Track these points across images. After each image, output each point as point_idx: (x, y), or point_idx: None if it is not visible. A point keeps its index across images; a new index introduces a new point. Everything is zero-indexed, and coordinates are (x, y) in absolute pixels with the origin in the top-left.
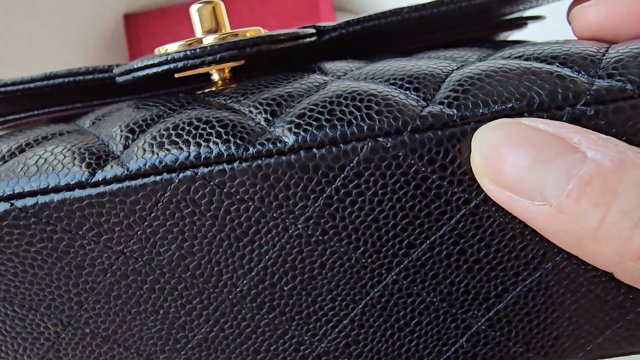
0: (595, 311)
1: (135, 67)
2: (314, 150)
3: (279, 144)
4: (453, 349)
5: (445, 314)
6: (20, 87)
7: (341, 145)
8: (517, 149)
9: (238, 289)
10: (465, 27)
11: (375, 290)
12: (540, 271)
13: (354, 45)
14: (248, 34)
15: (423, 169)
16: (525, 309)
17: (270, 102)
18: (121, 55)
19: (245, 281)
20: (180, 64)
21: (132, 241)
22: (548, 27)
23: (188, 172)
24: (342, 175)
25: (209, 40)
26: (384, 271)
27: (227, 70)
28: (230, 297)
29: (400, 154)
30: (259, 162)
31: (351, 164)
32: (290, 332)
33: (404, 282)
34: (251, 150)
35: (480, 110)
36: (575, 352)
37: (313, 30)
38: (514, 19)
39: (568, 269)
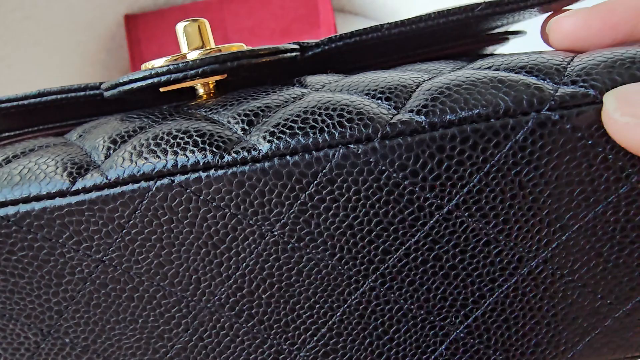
0: (574, 318)
1: (121, 81)
2: (287, 157)
3: (253, 152)
4: (432, 357)
5: (423, 321)
6: (15, 103)
7: (313, 152)
8: None
9: (216, 297)
10: (447, 43)
11: (353, 297)
12: (516, 277)
13: (337, 61)
14: (231, 50)
15: (394, 174)
16: (503, 316)
17: (248, 112)
18: (121, 56)
19: (223, 289)
20: (163, 78)
21: (110, 249)
22: (530, 41)
23: (165, 180)
24: (315, 182)
25: (193, 55)
26: (360, 278)
27: (211, 85)
28: (208, 305)
29: (371, 160)
30: (234, 169)
31: (324, 170)
32: (269, 341)
33: (381, 289)
34: (226, 158)
35: (448, 117)
36: (555, 359)
37: (295, 46)
38: (496, 34)
39: (544, 274)
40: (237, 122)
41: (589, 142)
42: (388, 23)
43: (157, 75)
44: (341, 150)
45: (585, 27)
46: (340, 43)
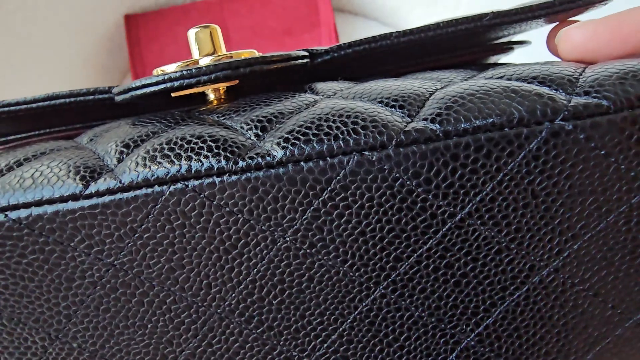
0: (584, 327)
1: (134, 86)
2: (302, 163)
3: (268, 158)
4: None
5: (434, 329)
6: (23, 107)
7: (328, 158)
8: None
9: (227, 303)
10: (454, 52)
11: (364, 304)
12: (527, 285)
13: (346, 67)
14: (242, 56)
15: (408, 182)
16: (514, 324)
17: (261, 118)
18: (121, 56)
19: (233, 295)
20: (176, 83)
21: (122, 253)
22: (534, 51)
23: (179, 185)
24: (329, 188)
25: (205, 61)
26: (372, 285)
27: (222, 90)
28: (218, 311)
29: (385, 167)
30: (248, 174)
31: (338, 177)
32: (278, 348)
33: (392, 296)
34: (241, 163)
35: (462, 126)
36: None
37: (305, 53)
38: (501, 43)
39: (555, 282)
40: (251, 128)
41: (602, 153)
42: (397, 31)
43: (170, 80)
44: (355, 157)
45: (594, 39)
46: (350, 50)
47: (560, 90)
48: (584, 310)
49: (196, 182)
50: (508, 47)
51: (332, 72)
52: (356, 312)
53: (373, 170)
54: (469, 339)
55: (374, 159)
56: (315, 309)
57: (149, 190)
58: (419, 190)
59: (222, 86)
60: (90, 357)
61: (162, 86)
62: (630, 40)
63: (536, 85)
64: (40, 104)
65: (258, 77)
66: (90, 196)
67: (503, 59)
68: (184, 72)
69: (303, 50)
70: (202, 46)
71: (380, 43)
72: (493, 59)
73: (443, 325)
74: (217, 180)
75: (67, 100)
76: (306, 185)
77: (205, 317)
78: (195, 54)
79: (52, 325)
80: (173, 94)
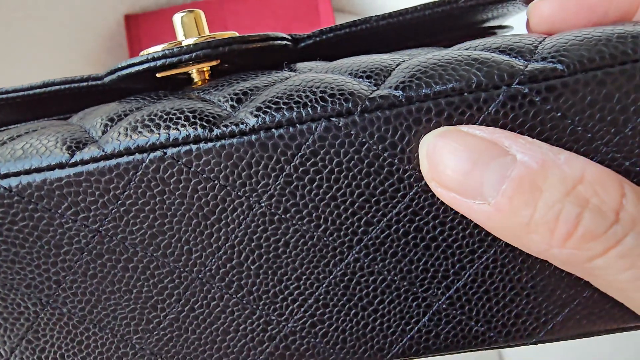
0: (553, 289)
1: (120, 66)
2: (273, 130)
3: (241, 125)
4: (416, 328)
5: (406, 293)
6: (20, 94)
7: (297, 125)
8: (457, 153)
9: (207, 268)
10: (435, 36)
11: (338, 268)
12: (494, 248)
13: (328, 52)
14: (223, 37)
15: (374, 146)
16: (484, 287)
17: (237, 92)
18: (121, 56)
19: (213, 260)
20: (159, 62)
21: (106, 220)
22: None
23: (158, 153)
24: (300, 154)
25: (188, 42)
26: (345, 249)
27: (206, 72)
28: (199, 276)
29: (352, 132)
30: (223, 142)
31: (307, 142)
32: (258, 312)
33: (365, 260)
34: (216, 131)
35: (424, 91)
36: (536, 331)
37: (286, 35)
38: (483, 28)
39: None
40: (227, 101)
41: (558, 114)
42: (376, 15)
43: (153, 59)
44: (323, 123)
45: (561, 9)
46: (331, 34)
47: (519, 58)
48: (550, 272)
49: (174, 150)
50: (490, 32)
51: (315, 56)
52: (331, 277)
53: (340, 135)
54: (440, 302)
55: (340, 125)
56: (292, 273)
57: (130, 157)
58: (385, 154)
59: (206, 67)
60: (80, 322)
61: (145, 65)
62: (596, 9)
63: (497, 54)
64: (37, 90)
65: (240, 57)
66: (75, 164)
67: None
68: (166, 52)
69: (286, 35)
70: (187, 30)
71: (360, 27)
72: None
73: (415, 289)
74: (194, 147)
75: (62, 86)
76: (277, 151)
77: (187, 283)
78: (180, 37)
79: (43, 291)
80: (158, 75)
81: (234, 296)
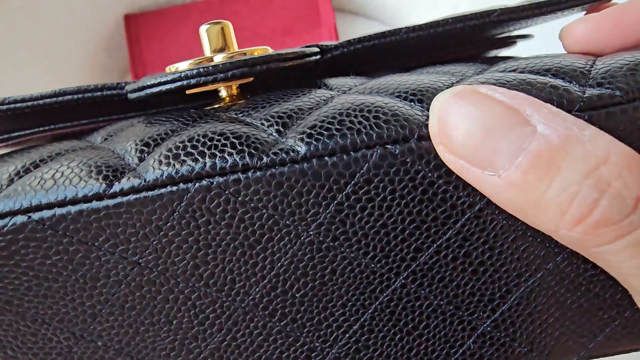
0: (595, 310)
1: (149, 84)
2: (326, 158)
3: (292, 153)
4: (460, 351)
5: (452, 317)
6: (30, 103)
7: (352, 153)
8: (471, 117)
9: (251, 297)
10: (460, 46)
11: (385, 294)
12: (541, 272)
13: (355, 62)
14: (256, 53)
15: (430, 174)
16: (529, 309)
17: (282, 115)
18: (121, 56)
19: (258, 289)
20: (193, 81)
21: (147, 251)
22: (534, 45)
23: (204, 182)
24: (353, 182)
25: (218, 58)
26: (392, 275)
27: (234, 87)
28: (243, 305)
29: (408, 160)
30: (273, 170)
31: (361, 171)
32: (301, 339)
33: (412, 285)
34: (265, 159)
35: None
36: (577, 350)
37: (317, 49)
38: (505, 37)
39: (568, 269)
40: (272, 125)
41: None
42: (406, 27)
43: (187, 78)
44: (379, 151)
45: (596, 30)
46: (359, 46)
47: (574, 82)
48: (595, 294)
49: (221, 179)
50: (511, 40)
51: (340, 66)
52: (377, 303)
53: (396, 163)
54: (485, 325)
55: (396, 152)
56: (337, 300)
57: (174, 188)
58: (440, 182)
59: (236, 83)
60: (116, 354)
61: (178, 84)
62: (632, 30)
63: (550, 77)
64: (47, 100)
65: (271, 73)
66: (114, 195)
67: (504, 52)
68: (201, 70)
69: (314, 45)
70: (213, 42)
71: (389, 39)
72: (492, 53)
73: (460, 313)
74: (242, 176)
75: (75, 96)
76: (330, 180)
77: (230, 312)
78: (207, 51)
79: (77, 325)
80: (188, 92)
81: (277, 324)
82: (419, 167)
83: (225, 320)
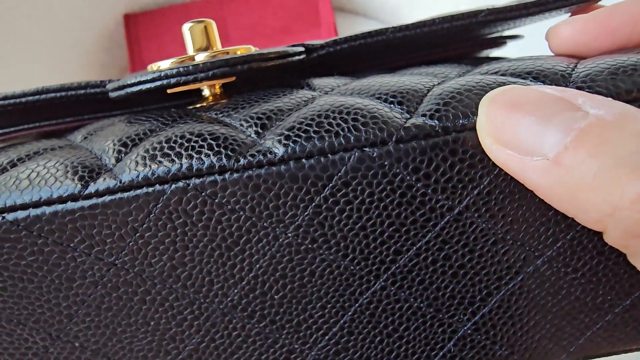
0: (576, 313)
1: (129, 82)
2: (303, 160)
3: (269, 155)
4: (441, 353)
5: (432, 319)
6: (12, 101)
7: (329, 155)
8: (521, 107)
9: (229, 299)
10: (448, 46)
11: (364, 296)
12: (522, 275)
13: (341, 62)
14: (239, 52)
15: (408, 177)
16: (509, 312)
17: (261, 116)
18: (120, 55)
19: (236, 290)
20: (173, 80)
21: (123, 252)
22: (526, 45)
23: (180, 184)
24: (331, 185)
25: (200, 57)
26: (372, 278)
27: (217, 86)
28: (221, 307)
29: (386, 163)
30: (250, 172)
31: (339, 174)
32: (280, 341)
33: (392, 288)
34: (242, 161)
35: (461, 121)
36: (557, 354)
37: (302, 49)
38: (495, 37)
39: (549, 272)
40: (250, 126)
41: None
42: (393, 27)
43: (167, 77)
44: (356, 154)
45: (583, 32)
46: (345, 45)
47: (554, 86)
48: (576, 297)
49: (198, 181)
50: (501, 41)
51: (327, 65)
52: (356, 305)
53: (374, 166)
54: (465, 328)
55: (374, 155)
56: (316, 302)
57: (150, 189)
58: (418, 185)
59: (218, 82)
60: (93, 355)
61: (158, 83)
62: (619, 33)
63: (530, 80)
64: (30, 98)
65: (254, 72)
66: (89, 196)
67: (495, 52)
68: (181, 69)
69: (299, 45)
70: (196, 41)
71: (376, 38)
72: (484, 53)
73: (441, 315)
74: (219, 178)
75: (58, 94)
76: (308, 182)
77: (208, 313)
78: (190, 50)
79: (53, 325)
80: (169, 91)
81: (256, 326)
82: (397, 170)
83: (204, 322)
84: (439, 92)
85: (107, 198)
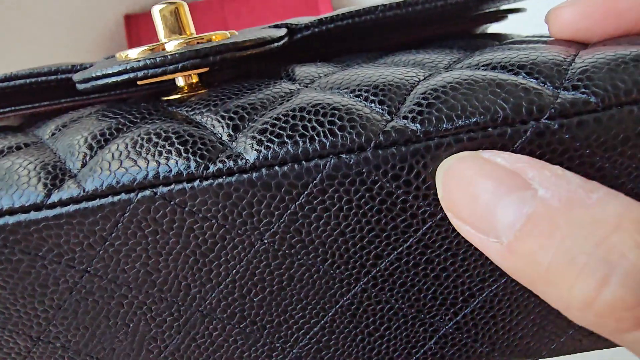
0: (558, 312)
1: (94, 75)
2: (276, 167)
3: (240, 162)
4: (422, 350)
5: (413, 319)
6: None
7: (303, 162)
8: (474, 182)
9: (207, 302)
10: (443, 23)
11: (345, 298)
12: (505, 277)
13: (328, 43)
14: (213, 38)
15: (387, 184)
16: (491, 312)
17: (233, 115)
18: None
19: (214, 295)
20: (140, 74)
21: (94, 260)
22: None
23: (147, 192)
24: (306, 192)
25: (171, 46)
26: (352, 281)
27: (193, 76)
28: (200, 309)
29: (363, 170)
30: (220, 180)
31: (314, 181)
32: (262, 340)
33: (373, 290)
34: (212, 168)
35: (444, 126)
36: (539, 351)
37: (282, 33)
38: (494, 12)
39: None
40: (222, 126)
41: (587, 152)
42: (383, 5)
43: (133, 70)
44: (332, 161)
45: (586, 16)
46: (332, 25)
47: (548, 84)
48: None
49: (165, 189)
50: (501, 15)
51: (313, 47)
52: (337, 306)
53: (351, 173)
54: (447, 327)
55: (351, 162)
56: (296, 304)
57: (115, 198)
58: (399, 192)
59: (193, 73)
60: (76, 354)
61: (125, 76)
62: (626, 16)
63: (523, 77)
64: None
65: (228, 64)
66: (53, 205)
67: (495, 26)
68: (148, 62)
69: (282, 25)
70: (169, 27)
71: (364, 17)
72: (480, 29)
73: (422, 315)
74: (188, 186)
75: (27, 80)
76: (281, 190)
77: (187, 316)
78: (161, 35)
79: (32, 328)
80: (139, 82)
81: (236, 326)
82: (376, 178)
83: (183, 324)
84: (423, 90)
85: (72, 208)
